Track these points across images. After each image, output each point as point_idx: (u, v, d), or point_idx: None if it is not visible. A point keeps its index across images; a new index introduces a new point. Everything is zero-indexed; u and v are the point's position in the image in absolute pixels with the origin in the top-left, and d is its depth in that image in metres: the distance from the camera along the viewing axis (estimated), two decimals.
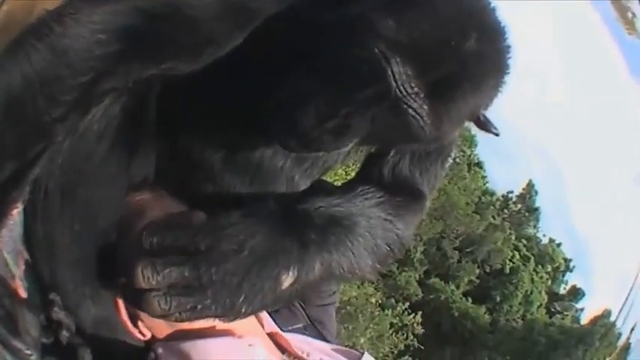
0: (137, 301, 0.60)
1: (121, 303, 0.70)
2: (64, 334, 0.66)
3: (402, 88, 0.62)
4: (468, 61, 0.62)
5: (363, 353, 0.83)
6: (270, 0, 0.66)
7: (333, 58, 0.65)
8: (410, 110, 0.63)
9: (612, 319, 15.65)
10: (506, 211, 17.60)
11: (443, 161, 0.91)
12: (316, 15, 0.66)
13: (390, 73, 0.61)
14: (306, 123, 0.66)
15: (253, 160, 0.78)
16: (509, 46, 0.67)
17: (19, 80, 0.57)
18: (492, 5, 0.66)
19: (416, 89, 0.62)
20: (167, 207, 0.78)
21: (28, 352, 0.61)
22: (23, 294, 0.65)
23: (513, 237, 16.53)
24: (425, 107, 0.63)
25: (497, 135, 0.75)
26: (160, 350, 0.71)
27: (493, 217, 16.32)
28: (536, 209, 18.42)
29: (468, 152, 15.77)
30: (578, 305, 19.17)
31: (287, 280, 0.64)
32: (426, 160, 0.85)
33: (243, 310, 0.62)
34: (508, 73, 0.68)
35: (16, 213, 0.63)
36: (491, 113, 0.70)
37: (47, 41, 0.58)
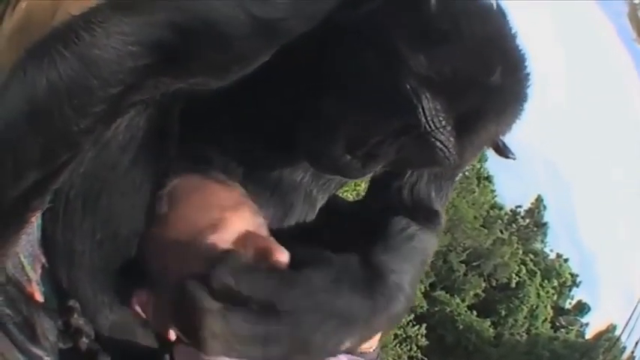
0: (196, 341, 0.58)
1: (138, 307, 0.70)
2: (84, 340, 0.65)
3: (431, 122, 0.64)
4: (492, 94, 0.65)
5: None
6: (299, 21, 0.65)
7: (364, 88, 0.66)
8: (437, 143, 0.65)
9: (617, 333, 15.57)
10: (514, 225, 17.52)
11: (455, 178, 0.93)
12: (346, 38, 0.67)
13: (420, 109, 0.63)
14: (336, 150, 0.68)
15: (273, 173, 0.79)
16: (528, 75, 0.69)
17: (45, 88, 0.57)
18: (514, 32, 0.67)
19: (444, 123, 0.64)
20: (247, 222, 0.71)
21: (48, 358, 0.61)
22: (40, 298, 0.64)
23: (520, 251, 16.43)
24: (451, 139, 0.65)
25: (514, 159, 0.77)
26: (178, 354, 0.71)
27: (501, 231, 16.25)
28: (545, 224, 18.34)
29: (478, 166, 15.70)
30: (584, 320, 19.09)
31: (349, 342, 0.65)
32: (440, 178, 0.86)
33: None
34: (527, 101, 0.71)
35: (35, 219, 0.63)
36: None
37: (76, 50, 0.57)
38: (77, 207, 0.65)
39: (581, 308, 19.36)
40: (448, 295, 15.26)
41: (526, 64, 0.67)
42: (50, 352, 0.61)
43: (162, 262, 0.70)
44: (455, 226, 14.44)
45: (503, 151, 0.74)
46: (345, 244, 0.71)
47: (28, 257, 0.64)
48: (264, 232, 0.73)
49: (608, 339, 15.65)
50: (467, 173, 15.44)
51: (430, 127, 0.63)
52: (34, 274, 0.64)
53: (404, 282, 0.72)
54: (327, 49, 0.67)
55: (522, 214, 18.06)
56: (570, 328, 18.35)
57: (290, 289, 0.60)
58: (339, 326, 0.63)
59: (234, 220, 0.70)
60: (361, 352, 0.80)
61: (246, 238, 0.69)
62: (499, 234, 15.96)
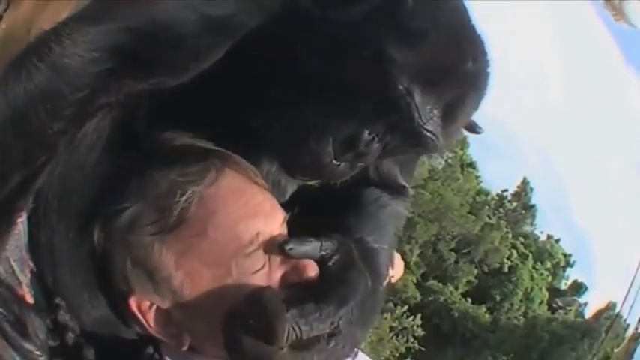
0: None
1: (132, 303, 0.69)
2: (70, 335, 0.68)
3: (423, 117, 0.66)
4: (468, 80, 0.68)
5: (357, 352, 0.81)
6: (249, 15, 0.68)
7: (352, 92, 0.67)
8: (428, 134, 0.67)
9: (617, 310, 15.59)
10: (501, 210, 17.59)
11: (417, 159, 0.95)
12: (327, 42, 0.68)
13: (414, 106, 0.65)
14: (325, 158, 0.68)
15: None
16: (490, 59, 0.73)
17: (22, 96, 0.62)
18: (474, 22, 0.71)
19: (433, 114, 0.66)
20: (279, 229, 0.70)
21: (38, 352, 0.64)
22: (30, 300, 0.67)
23: (510, 235, 16.50)
24: (439, 128, 0.68)
25: (481, 132, 0.81)
26: (166, 349, 0.71)
27: (489, 216, 16.33)
28: (532, 206, 18.40)
29: (460, 153, 15.76)
30: (581, 300, 19.16)
31: None
32: (405, 159, 0.87)
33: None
34: (491, 81, 0.75)
35: (21, 222, 0.66)
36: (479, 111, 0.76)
37: (48, 61, 0.63)
38: (54, 207, 0.69)
39: (578, 288, 19.43)
40: (441, 284, 15.32)
41: (487, 49, 0.72)
42: (41, 348, 0.65)
43: (194, 278, 0.67)
44: (442, 215, 14.49)
45: (472, 128, 0.77)
46: (320, 221, 0.73)
47: (17, 261, 0.67)
48: (284, 231, 0.71)
49: (608, 317, 15.69)
50: (450, 161, 15.50)
51: (422, 121, 0.66)
52: (24, 277, 0.67)
53: (385, 244, 0.78)
54: (305, 53, 0.69)
55: (509, 198, 18.12)
56: (568, 308, 18.40)
57: (343, 305, 0.64)
58: (373, 315, 0.70)
59: (273, 229, 0.69)
60: None
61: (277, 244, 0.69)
62: (487, 219, 16.03)
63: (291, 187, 0.83)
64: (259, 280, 0.66)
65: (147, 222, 0.67)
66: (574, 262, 19.47)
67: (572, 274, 19.78)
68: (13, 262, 0.66)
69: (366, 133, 0.67)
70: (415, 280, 14.67)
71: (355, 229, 0.77)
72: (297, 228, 0.71)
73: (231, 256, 0.67)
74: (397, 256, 1.30)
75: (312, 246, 0.66)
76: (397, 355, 12.69)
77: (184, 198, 0.67)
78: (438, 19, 0.67)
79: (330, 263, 0.66)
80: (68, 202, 0.70)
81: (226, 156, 0.72)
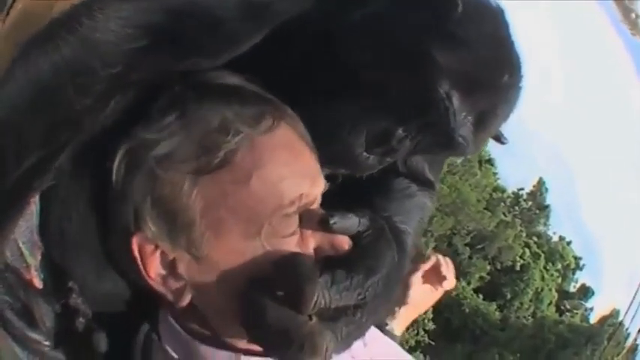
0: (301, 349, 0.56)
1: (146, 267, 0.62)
2: (80, 320, 0.65)
3: (458, 122, 0.66)
4: (502, 93, 0.69)
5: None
6: (290, 2, 0.67)
7: (389, 86, 0.66)
8: (460, 139, 0.67)
9: (621, 318, 15.60)
10: (517, 208, 17.56)
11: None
12: (366, 38, 0.67)
13: (452, 110, 0.65)
14: (357, 148, 0.67)
15: None
16: (523, 74, 0.74)
17: (49, 71, 0.59)
18: (514, 39, 0.72)
19: (467, 119, 0.67)
20: (320, 194, 0.66)
21: (46, 342, 0.61)
22: (39, 284, 0.64)
23: (524, 234, 16.45)
24: (471, 135, 0.68)
25: (506, 143, 0.80)
26: (164, 331, 0.66)
27: (504, 213, 16.28)
28: (547, 207, 18.37)
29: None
30: (588, 304, 19.14)
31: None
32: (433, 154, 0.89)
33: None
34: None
35: (34, 202, 0.63)
36: None
37: (78, 34, 0.60)
38: (65, 182, 0.66)
39: (585, 292, 19.40)
40: None
41: (522, 64, 0.73)
42: (48, 337, 0.62)
43: (219, 231, 0.60)
44: (458, 210, 14.47)
45: (499, 138, 0.78)
46: (346, 201, 0.70)
47: (27, 243, 0.64)
48: (318, 204, 0.67)
49: (611, 324, 15.69)
50: (468, 157, 15.49)
51: (457, 125, 0.66)
52: (34, 260, 0.64)
53: (410, 228, 0.78)
54: (344, 47, 0.68)
55: (524, 196, 18.10)
56: (575, 312, 18.39)
57: (373, 276, 0.62)
58: (396, 289, 0.68)
59: (316, 195, 0.64)
60: None
61: (313, 215, 0.63)
62: (502, 216, 15.99)
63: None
64: (289, 246, 0.60)
65: (185, 158, 0.60)
66: (583, 265, 19.45)
67: (581, 278, 19.78)
68: (21, 245, 0.63)
69: (400, 130, 0.66)
70: None
71: (383, 209, 0.76)
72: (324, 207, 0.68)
73: (268, 213, 0.60)
74: (450, 266, 1.28)
75: (353, 222, 0.63)
76: (406, 348, 12.65)
77: (236, 139, 0.60)
78: (481, 30, 0.67)
79: (364, 237, 0.64)
80: (82, 175, 0.66)
81: (283, 107, 0.66)
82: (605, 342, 15.19)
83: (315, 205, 0.64)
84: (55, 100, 0.59)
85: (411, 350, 13.12)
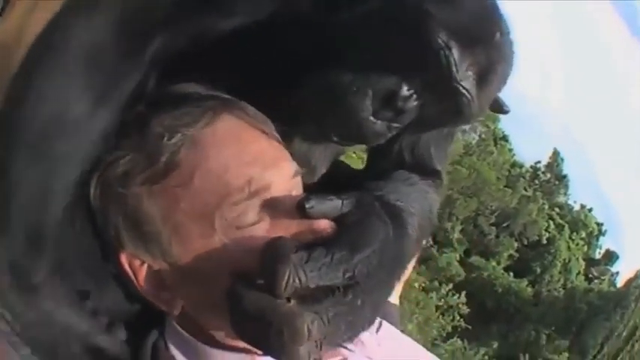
0: (281, 351, 0.52)
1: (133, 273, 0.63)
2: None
3: (461, 73, 0.66)
4: (496, 51, 0.69)
5: (381, 322, 0.74)
6: None
7: (389, 44, 0.67)
8: (464, 91, 0.67)
9: None
10: (536, 181, 17.57)
11: (451, 140, 0.93)
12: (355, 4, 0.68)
13: (452, 60, 0.65)
14: (364, 111, 0.66)
15: None
16: (513, 40, 0.75)
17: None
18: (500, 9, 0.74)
19: (469, 74, 0.67)
20: (287, 182, 0.63)
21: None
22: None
23: (546, 207, 16.50)
24: (474, 89, 0.68)
25: (508, 111, 0.83)
26: (168, 340, 0.65)
27: (525, 188, 16.31)
28: (565, 176, 18.37)
29: (492, 127, 15.71)
30: (614, 269, 19.15)
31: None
32: (437, 139, 0.86)
33: (374, 323, 0.61)
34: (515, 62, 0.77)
35: None
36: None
37: None
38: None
39: (610, 257, 19.43)
40: (483, 260, 15.28)
41: (510, 31, 0.74)
42: None
43: (181, 235, 0.60)
44: (480, 190, 14.45)
45: (500, 106, 0.79)
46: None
47: None
48: (299, 191, 0.64)
49: (637, 286, 15.76)
50: (483, 135, 15.46)
51: (459, 77, 0.66)
52: None
53: (414, 208, 0.73)
54: (340, 10, 0.68)
55: (542, 169, 18.08)
56: (602, 278, 18.41)
57: (358, 252, 0.55)
58: (395, 269, 0.62)
59: (273, 179, 0.61)
60: None
61: (283, 202, 0.60)
62: (523, 192, 15.99)
63: (321, 168, 0.82)
64: (254, 235, 0.58)
65: (139, 171, 0.60)
66: (605, 230, 19.47)
67: (604, 244, 19.80)
68: None
69: (405, 88, 0.66)
70: (458, 258, 14.62)
71: (375, 189, 0.73)
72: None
73: (215, 205, 0.58)
74: None
75: (334, 204, 0.59)
76: (444, 334, 12.63)
77: (173, 141, 0.60)
78: None
79: (349, 217, 0.59)
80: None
81: (232, 102, 0.65)
82: (633, 304, 15.25)
83: (294, 192, 0.63)
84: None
85: (448, 336, 13.14)
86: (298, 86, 0.69)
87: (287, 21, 0.67)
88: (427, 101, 0.68)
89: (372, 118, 0.66)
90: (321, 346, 0.52)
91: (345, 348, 0.62)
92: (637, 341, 15.01)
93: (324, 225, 0.58)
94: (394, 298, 0.86)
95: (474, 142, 14.88)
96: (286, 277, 0.50)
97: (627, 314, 15.14)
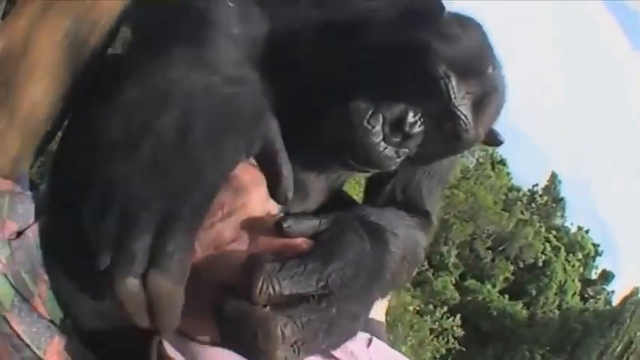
0: (261, 356, 0.55)
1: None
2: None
3: (458, 102, 0.75)
4: (489, 83, 0.78)
5: (372, 338, 0.77)
6: None
7: (396, 78, 0.75)
8: (461, 115, 0.75)
9: None
10: (533, 204, 17.55)
11: (442, 189, 0.99)
12: (371, 34, 0.78)
13: (451, 88, 0.74)
14: (375, 136, 0.73)
15: None
16: (505, 75, 0.83)
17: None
18: (492, 45, 0.82)
19: (466, 100, 0.75)
20: (264, 204, 0.65)
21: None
22: (44, 312, 0.64)
23: (543, 229, 16.47)
24: (470, 113, 0.76)
25: (503, 142, 0.87)
26: (165, 344, 0.65)
27: (521, 212, 16.27)
28: (562, 199, 18.35)
29: (490, 151, 15.72)
30: (609, 288, 19.14)
31: (379, 295, 0.69)
32: (430, 182, 0.94)
33: (356, 334, 0.63)
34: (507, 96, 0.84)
35: (32, 236, 0.63)
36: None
37: None
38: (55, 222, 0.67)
39: (606, 277, 19.40)
40: (479, 283, 15.29)
41: (502, 67, 0.82)
42: None
43: None
44: (476, 214, 14.45)
45: (495, 138, 0.85)
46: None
47: (28, 273, 0.62)
48: (276, 210, 0.67)
49: (633, 302, 15.74)
50: (481, 160, 15.46)
51: (456, 102, 0.74)
52: (37, 289, 0.63)
53: (397, 230, 0.75)
54: (354, 46, 0.78)
55: (540, 192, 18.07)
56: (598, 297, 18.40)
57: (332, 262, 0.58)
58: (374, 282, 0.64)
59: (254, 200, 0.64)
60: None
61: (262, 222, 0.64)
62: (520, 215, 15.97)
63: (316, 196, 0.87)
64: (234, 253, 0.61)
65: None
66: (602, 251, 19.45)
67: (601, 264, 19.78)
68: (24, 275, 0.62)
69: (411, 114, 0.74)
70: (454, 281, 14.64)
71: (359, 211, 0.76)
72: None
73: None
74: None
75: (311, 224, 0.62)
76: (438, 356, 12.65)
77: None
78: (467, 31, 0.79)
79: (325, 234, 0.62)
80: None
81: None
82: (628, 320, 15.23)
83: (271, 212, 0.65)
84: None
85: (442, 358, 13.15)
86: (322, 117, 0.75)
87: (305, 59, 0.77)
88: (428, 128, 0.75)
89: (383, 142, 0.74)
90: (298, 352, 0.55)
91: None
92: (632, 354, 15.01)
93: (301, 241, 0.61)
94: (380, 316, 0.89)
95: (471, 165, 14.88)
96: (260, 284, 0.54)
97: (622, 329, 15.13)
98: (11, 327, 0.60)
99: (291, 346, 0.55)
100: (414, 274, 0.88)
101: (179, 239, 0.51)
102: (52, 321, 0.63)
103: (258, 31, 0.71)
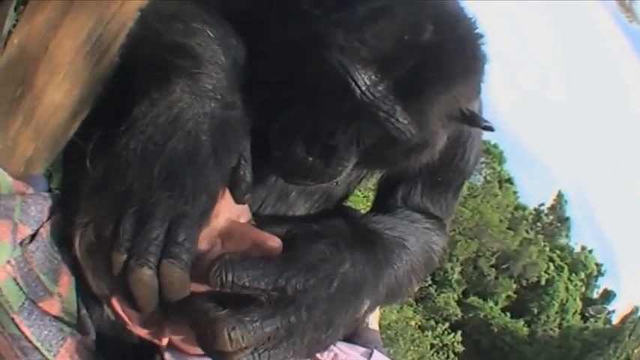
0: (220, 357, 0.55)
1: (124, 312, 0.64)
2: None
3: (367, 93, 0.63)
4: (427, 53, 0.62)
5: (372, 351, 0.76)
6: None
7: (305, 82, 0.67)
8: (382, 114, 0.63)
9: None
10: (538, 224, 17.54)
11: (455, 192, 0.89)
12: (293, 30, 0.68)
13: (351, 80, 0.62)
14: (296, 153, 0.67)
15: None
16: (476, 34, 0.67)
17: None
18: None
19: (383, 92, 0.63)
20: (232, 209, 0.65)
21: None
22: (57, 311, 0.64)
23: (547, 249, 16.46)
24: (397, 107, 0.63)
25: (492, 130, 0.75)
26: (167, 355, 0.66)
27: (527, 231, 16.27)
28: (567, 219, 18.33)
29: (498, 169, 15.73)
30: (610, 307, 19.12)
31: (364, 308, 0.64)
32: (435, 190, 0.85)
33: (328, 344, 0.61)
34: (482, 61, 0.69)
35: (45, 234, 0.63)
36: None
37: None
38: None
39: (608, 296, 19.37)
40: (481, 300, 15.30)
41: (470, 23, 0.67)
42: None
43: None
44: (482, 232, 14.48)
45: (472, 119, 0.71)
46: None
47: (48, 274, 0.63)
48: (246, 218, 0.68)
49: (632, 321, 15.73)
50: (488, 178, 15.48)
51: (368, 97, 0.63)
52: (57, 288, 0.64)
53: (406, 241, 0.72)
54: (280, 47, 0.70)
55: (545, 211, 18.06)
56: (598, 316, 18.38)
57: (293, 267, 0.57)
58: (352, 293, 0.61)
59: (222, 205, 0.63)
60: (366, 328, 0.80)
61: (233, 228, 0.64)
62: (525, 234, 15.98)
63: (299, 204, 0.83)
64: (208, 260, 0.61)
65: None
66: (605, 271, 19.43)
67: (602, 283, 19.76)
68: (42, 277, 0.63)
69: (327, 123, 0.65)
70: (456, 298, 14.67)
71: (361, 220, 0.74)
72: None
73: None
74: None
75: (284, 223, 0.65)
76: None
77: None
78: (383, 9, 0.65)
79: (296, 241, 0.62)
80: None
81: None
82: (627, 338, 15.23)
83: (242, 217, 0.66)
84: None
85: None
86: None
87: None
88: (361, 131, 0.66)
89: (309, 157, 0.67)
90: (259, 358, 0.55)
91: None
92: None
93: (267, 239, 0.61)
94: (373, 324, 0.87)
95: (479, 183, 14.90)
96: (215, 269, 0.54)
97: (620, 347, 15.13)
98: (19, 329, 0.60)
99: (252, 353, 0.54)
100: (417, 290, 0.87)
101: (189, 231, 0.55)
102: (66, 322, 0.64)
103: (240, 55, 0.68)
